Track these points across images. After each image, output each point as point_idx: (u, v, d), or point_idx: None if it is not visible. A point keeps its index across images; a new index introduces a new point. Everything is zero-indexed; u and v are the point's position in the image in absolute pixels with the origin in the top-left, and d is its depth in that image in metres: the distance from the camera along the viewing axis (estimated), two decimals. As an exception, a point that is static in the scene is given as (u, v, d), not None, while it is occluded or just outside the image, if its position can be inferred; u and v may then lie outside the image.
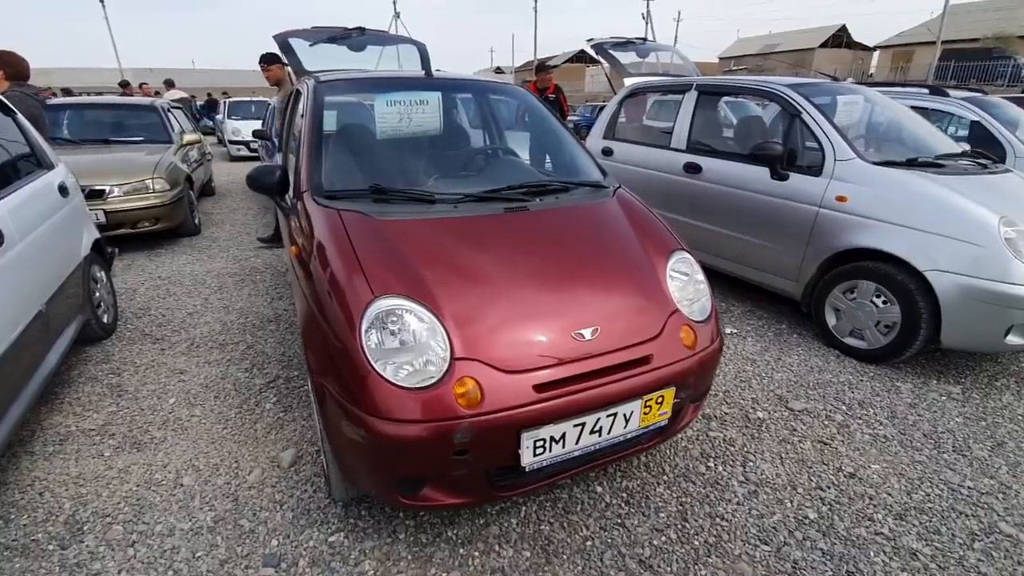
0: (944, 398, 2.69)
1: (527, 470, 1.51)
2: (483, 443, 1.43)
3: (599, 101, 22.65)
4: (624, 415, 1.60)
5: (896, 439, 2.34)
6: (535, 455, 1.49)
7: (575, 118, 18.17)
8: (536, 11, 45.90)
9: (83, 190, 4.10)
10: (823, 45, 41.23)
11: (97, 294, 3.19)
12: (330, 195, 1.95)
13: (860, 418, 2.49)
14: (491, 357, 1.48)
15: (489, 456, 1.48)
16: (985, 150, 3.62)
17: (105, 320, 3.24)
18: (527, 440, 1.46)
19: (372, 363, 1.42)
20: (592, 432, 1.56)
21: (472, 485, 1.54)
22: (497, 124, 3.32)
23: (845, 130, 3.22)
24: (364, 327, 1.46)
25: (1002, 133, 4.20)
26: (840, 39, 42.52)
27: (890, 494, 2.00)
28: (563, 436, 1.51)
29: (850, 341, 3.08)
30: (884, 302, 2.88)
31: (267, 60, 5.08)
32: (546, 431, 1.48)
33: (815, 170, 3.18)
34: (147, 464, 2.17)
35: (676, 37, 49.56)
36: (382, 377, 1.41)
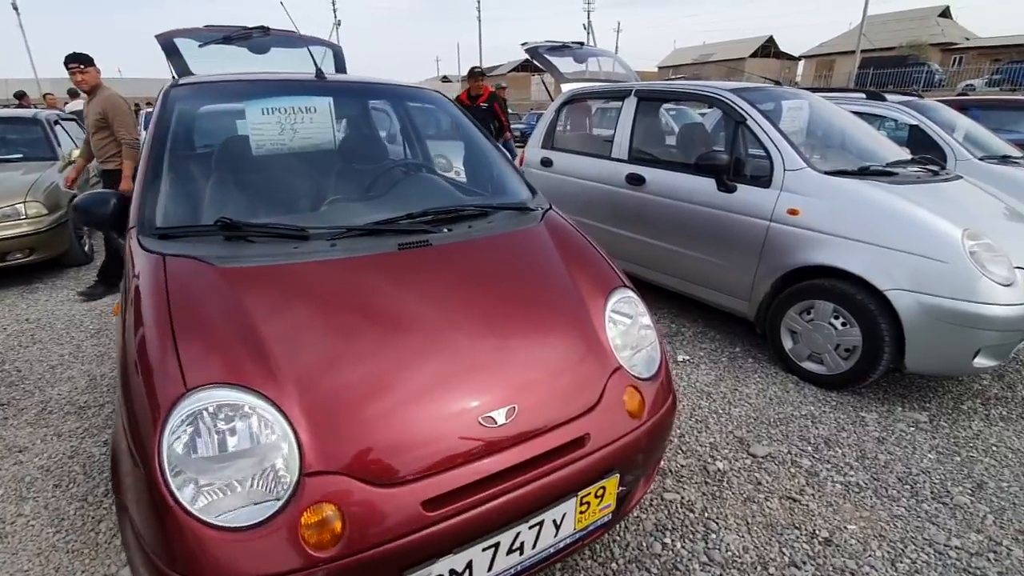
0: (913, 429, 2.45)
1: (418, 619, 1.09)
2: (348, 597, 1.00)
3: (545, 109, 22.49)
4: (554, 521, 1.21)
5: (870, 487, 2.06)
6: (430, 598, 1.08)
7: (521, 126, 17.88)
8: (480, 20, 45.86)
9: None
10: (753, 55, 43.12)
11: (-85, 353, 2.55)
12: (163, 233, 1.48)
13: (828, 461, 2.21)
14: (360, 466, 1.05)
15: (359, 612, 1.06)
16: (925, 155, 3.50)
17: (-71, 384, 2.60)
18: (415, 582, 1.04)
19: (175, 491, 0.97)
20: (511, 552, 1.16)
21: None
22: (414, 134, 2.91)
23: (792, 137, 3.00)
24: (166, 438, 1.00)
25: (942, 137, 4.12)
26: (768, 49, 44.65)
27: (873, 566, 1.70)
28: (469, 566, 1.10)
29: (809, 366, 2.83)
30: (843, 324, 2.63)
31: (79, 60, 3.86)
32: (443, 565, 1.07)
33: (764, 181, 2.93)
34: (-62, 595, 1.62)
35: (617, 47, 50.63)
36: (189, 513, 0.96)
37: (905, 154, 3.30)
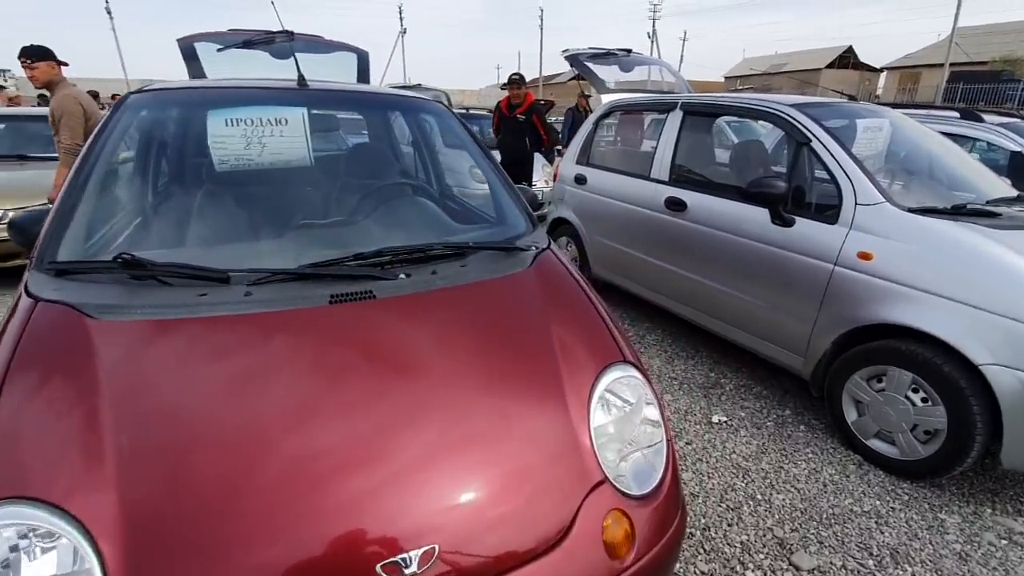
0: (1005, 542, 1.92)
1: None
2: None
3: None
4: None
5: (953, 631, 1.57)
6: None
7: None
8: (542, 29, 45.80)
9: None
10: (830, 66, 40.90)
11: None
12: (62, 268, 1.22)
13: (896, 585, 1.73)
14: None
15: None
16: (1027, 187, 2.89)
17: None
18: None
19: None
20: None
21: None
22: (424, 147, 2.62)
23: (868, 164, 2.50)
24: None
25: (1053, 168, 3.46)
26: (847, 60, 42.21)
27: None
28: None
29: (876, 445, 2.31)
30: (924, 400, 2.12)
31: (28, 54, 3.62)
32: None
33: (830, 216, 2.45)
34: None
35: (682, 56, 49.29)
36: None
37: (1008, 189, 2.73)
